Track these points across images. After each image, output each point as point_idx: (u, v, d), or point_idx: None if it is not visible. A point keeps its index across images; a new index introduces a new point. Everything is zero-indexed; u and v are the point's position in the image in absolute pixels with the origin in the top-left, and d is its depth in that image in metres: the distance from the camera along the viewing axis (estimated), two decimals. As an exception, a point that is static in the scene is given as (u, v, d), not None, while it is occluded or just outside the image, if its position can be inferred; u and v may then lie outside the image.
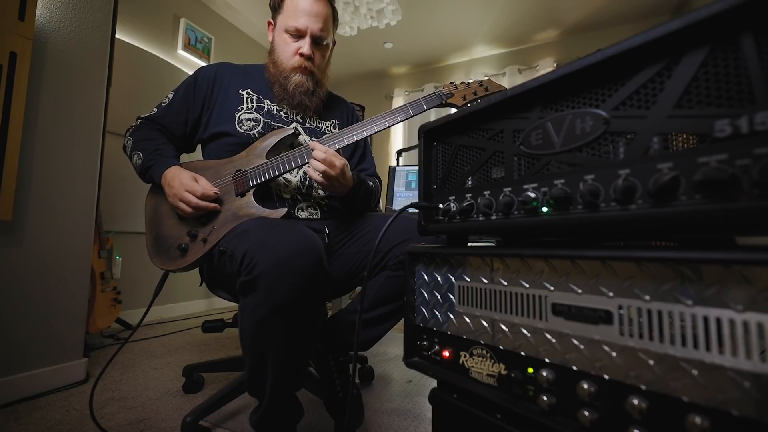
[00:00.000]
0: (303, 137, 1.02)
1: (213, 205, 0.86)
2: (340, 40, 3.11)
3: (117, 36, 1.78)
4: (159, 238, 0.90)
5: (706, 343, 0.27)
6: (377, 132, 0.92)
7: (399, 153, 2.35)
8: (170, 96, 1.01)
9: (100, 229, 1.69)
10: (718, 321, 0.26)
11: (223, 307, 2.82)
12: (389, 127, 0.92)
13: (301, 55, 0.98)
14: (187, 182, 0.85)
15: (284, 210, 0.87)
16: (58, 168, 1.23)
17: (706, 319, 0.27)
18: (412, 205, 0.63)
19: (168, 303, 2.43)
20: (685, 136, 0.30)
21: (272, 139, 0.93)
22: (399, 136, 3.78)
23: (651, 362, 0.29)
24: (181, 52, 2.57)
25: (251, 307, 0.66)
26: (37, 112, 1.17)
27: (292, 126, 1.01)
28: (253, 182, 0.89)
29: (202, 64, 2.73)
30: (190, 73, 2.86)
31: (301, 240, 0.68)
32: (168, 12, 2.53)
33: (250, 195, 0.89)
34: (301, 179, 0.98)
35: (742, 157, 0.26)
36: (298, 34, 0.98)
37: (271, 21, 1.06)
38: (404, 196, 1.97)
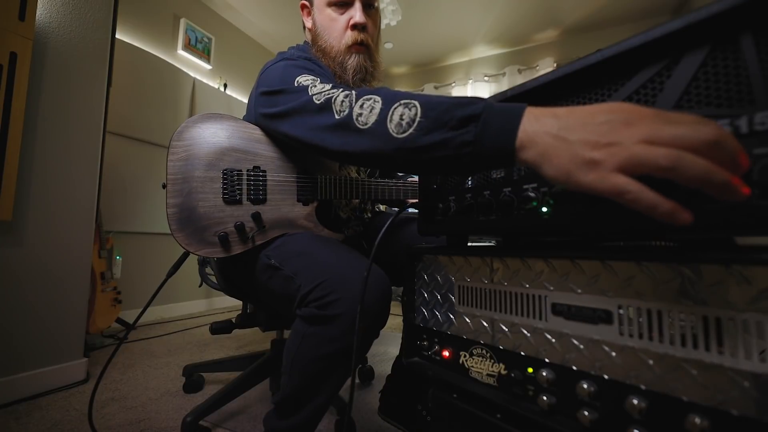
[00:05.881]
0: None
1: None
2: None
3: (117, 36, 1.78)
4: (190, 211, 0.73)
5: (705, 343, 0.27)
6: None
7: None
8: (313, 79, 0.69)
9: (100, 229, 1.68)
10: (718, 321, 0.26)
11: (223, 306, 2.82)
12: None
13: (354, 26, 0.81)
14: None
15: (341, 236, 0.83)
16: (58, 168, 1.23)
17: (705, 319, 0.27)
18: (412, 205, 0.62)
19: (168, 303, 2.43)
20: (684, 136, 0.30)
21: None
22: (399, 136, 3.78)
23: (651, 362, 0.29)
24: (181, 52, 2.57)
25: (319, 340, 0.63)
26: (37, 112, 1.17)
27: None
28: (322, 196, 0.80)
29: (202, 64, 2.74)
30: (190, 73, 2.84)
31: (379, 282, 0.64)
32: (168, 12, 2.53)
33: (313, 207, 0.80)
34: (362, 200, 0.93)
35: (741, 157, 0.26)
36: (346, 2, 0.83)
37: (306, 3, 0.90)
38: (404, 196, 1.97)
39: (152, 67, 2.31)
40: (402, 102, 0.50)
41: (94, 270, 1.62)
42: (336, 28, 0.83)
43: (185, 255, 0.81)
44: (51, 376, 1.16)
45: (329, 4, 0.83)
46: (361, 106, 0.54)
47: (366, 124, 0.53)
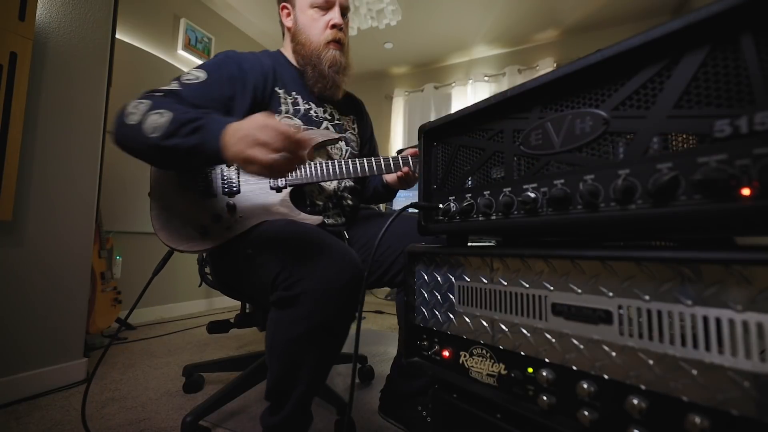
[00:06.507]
0: (341, 143, 0.98)
1: (305, 146, 0.60)
2: (340, 40, 3.10)
3: (117, 36, 1.78)
4: (171, 211, 0.78)
5: (705, 343, 0.27)
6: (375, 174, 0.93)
7: (399, 153, 2.35)
8: (201, 76, 0.79)
9: (100, 229, 1.68)
10: (718, 321, 0.26)
11: (223, 306, 2.81)
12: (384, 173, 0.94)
13: (334, 26, 0.93)
14: (263, 118, 0.59)
15: (319, 219, 0.84)
16: (58, 168, 1.23)
17: (705, 319, 0.27)
18: (412, 205, 0.63)
19: (168, 303, 2.43)
20: (684, 136, 0.30)
21: (319, 139, 0.88)
22: (399, 136, 3.78)
23: (651, 362, 0.29)
24: (181, 52, 2.57)
25: (288, 323, 0.64)
26: (37, 112, 1.17)
27: (323, 125, 0.96)
28: (294, 180, 0.84)
29: (202, 64, 2.73)
30: (190, 73, 2.80)
31: (345, 259, 0.66)
32: (168, 12, 2.53)
33: (286, 193, 0.83)
34: (336, 187, 0.95)
35: (741, 157, 0.26)
36: (327, 6, 0.94)
37: (286, 4, 0.98)
38: (404, 196, 1.97)
39: (152, 67, 2.30)
40: (158, 111, 0.65)
41: (94, 270, 1.62)
42: (317, 26, 0.94)
43: (169, 253, 0.84)
44: (51, 376, 1.16)
45: (312, 6, 0.94)
46: (136, 107, 0.68)
47: (132, 121, 0.66)
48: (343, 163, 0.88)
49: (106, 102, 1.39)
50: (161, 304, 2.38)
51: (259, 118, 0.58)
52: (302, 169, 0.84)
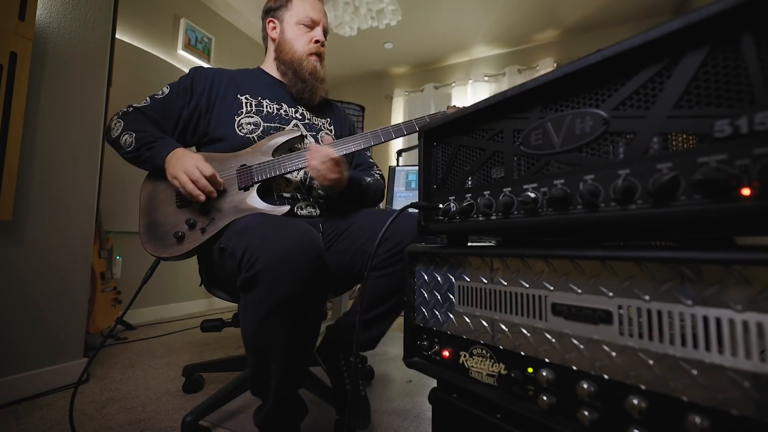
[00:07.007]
0: (309, 140, 1.04)
1: (212, 190, 0.85)
2: (341, 40, 3.11)
3: (117, 36, 1.78)
4: (153, 224, 0.90)
5: (705, 343, 0.27)
6: (382, 143, 0.99)
7: (399, 153, 2.35)
8: (165, 90, 1.00)
9: (100, 229, 1.68)
10: (718, 321, 0.26)
11: (223, 307, 2.81)
12: (394, 138, 0.99)
13: (317, 41, 1.08)
14: (198, 160, 0.85)
15: (286, 208, 0.89)
16: (58, 168, 1.23)
17: (705, 319, 0.27)
18: (412, 205, 0.63)
19: (168, 303, 2.43)
20: (684, 136, 0.30)
21: (279, 139, 0.96)
22: (399, 136, 3.78)
23: (651, 362, 0.29)
24: (181, 52, 2.57)
25: (254, 304, 0.66)
26: (37, 112, 1.17)
27: (292, 123, 1.04)
28: (258, 178, 0.91)
29: (203, 64, 2.73)
30: (190, 73, 2.81)
31: (302, 235, 0.69)
32: (168, 12, 2.53)
33: (253, 190, 0.91)
34: (302, 179, 1.00)
35: (741, 157, 0.26)
36: (312, 25, 1.08)
37: (273, 19, 1.10)
38: (404, 196, 1.97)
39: (152, 67, 2.30)
40: (127, 132, 0.91)
41: (94, 270, 1.62)
42: (302, 40, 1.08)
43: (156, 263, 0.92)
44: (51, 376, 1.16)
45: (298, 24, 1.08)
46: (116, 125, 0.94)
47: (113, 135, 0.93)
48: (283, 156, 0.95)
49: (106, 102, 1.39)
50: (161, 304, 2.38)
51: (193, 159, 0.85)
52: (261, 170, 0.93)
